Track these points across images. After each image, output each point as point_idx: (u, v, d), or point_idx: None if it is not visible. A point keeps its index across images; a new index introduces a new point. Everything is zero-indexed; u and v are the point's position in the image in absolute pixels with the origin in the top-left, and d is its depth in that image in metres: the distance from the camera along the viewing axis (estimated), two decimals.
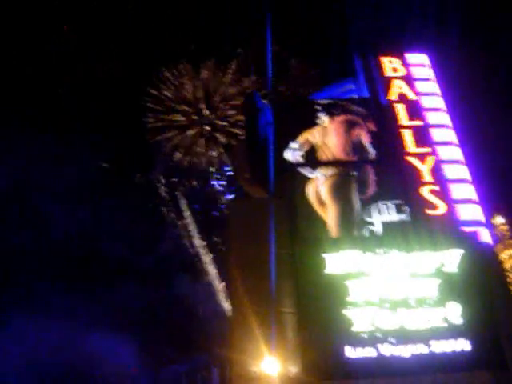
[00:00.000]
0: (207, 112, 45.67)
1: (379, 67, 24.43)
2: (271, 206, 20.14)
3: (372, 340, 17.90)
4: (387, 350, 17.84)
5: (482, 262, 19.44)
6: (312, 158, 21.92)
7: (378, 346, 17.88)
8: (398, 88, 23.75)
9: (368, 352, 17.77)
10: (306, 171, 21.60)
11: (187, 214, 48.04)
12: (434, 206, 20.60)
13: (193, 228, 47.80)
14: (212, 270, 46.95)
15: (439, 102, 23.50)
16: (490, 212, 23.66)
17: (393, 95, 23.59)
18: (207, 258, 47.12)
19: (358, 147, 22.17)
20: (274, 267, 18.98)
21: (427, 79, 24.19)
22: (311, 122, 22.61)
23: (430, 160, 21.65)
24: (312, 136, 22.32)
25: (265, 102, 23.79)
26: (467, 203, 20.84)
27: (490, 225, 21.56)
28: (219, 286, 45.09)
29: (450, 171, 21.49)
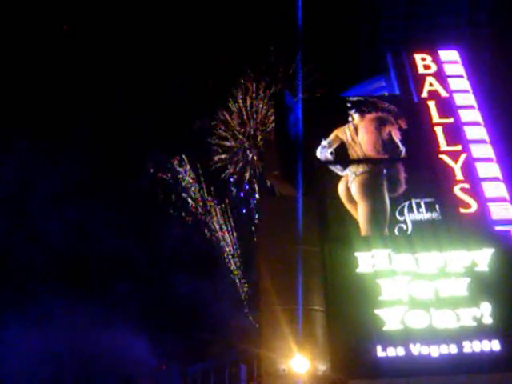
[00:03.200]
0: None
1: (411, 64, 24.25)
2: (299, 204, 20.09)
3: (402, 339, 17.78)
4: (417, 349, 17.70)
5: None
6: (342, 155, 21.84)
7: (408, 345, 17.75)
8: (429, 85, 23.56)
9: (398, 351, 17.65)
10: (336, 169, 21.53)
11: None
12: (465, 205, 20.40)
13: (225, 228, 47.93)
14: (239, 267, 47.09)
15: (471, 100, 23.25)
16: None
17: (425, 92, 23.40)
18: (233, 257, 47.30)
19: (388, 145, 22.03)
20: (302, 265, 18.94)
21: (459, 76, 23.95)
22: (342, 120, 22.54)
23: (462, 158, 21.44)
24: (342, 133, 22.24)
25: (295, 100, 23.76)
26: (499, 202, 20.57)
27: None
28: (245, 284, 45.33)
29: (482, 169, 21.25)
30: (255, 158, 46.18)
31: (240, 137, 46.36)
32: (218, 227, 47.85)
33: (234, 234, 47.09)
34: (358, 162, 21.60)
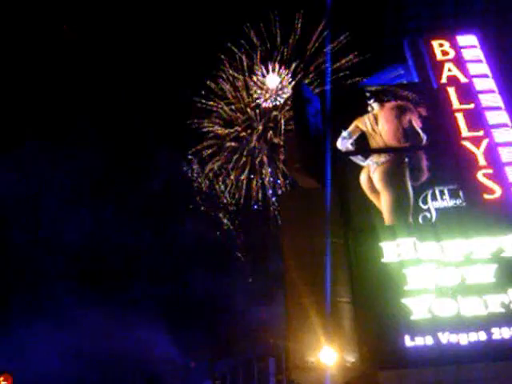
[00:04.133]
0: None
1: (429, 51, 24.03)
2: (326, 195, 20.05)
3: (430, 328, 17.71)
4: (445, 337, 17.62)
5: None
6: (363, 145, 21.76)
7: (436, 334, 17.67)
8: (448, 71, 23.35)
9: (426, 340, 17.59)
10: (357, 159, 21.45)
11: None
12: (490, 190, 20.24)
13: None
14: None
15: (491, 84, 23.01)
16: None
17: (444, 78, 23.20)
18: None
19: (409, 133, 21.90)
20: (329, 256, 18.92)
21: (478, 61, 23.72)
22: (362, 110, 22.45)
23: (485, 143, 21.26)
24: (362, 123, 22.15)
25: (314, 92, 23.74)
26: None
27: None
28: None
29: (505, 154, 21.04)
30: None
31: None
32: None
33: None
34: (379, 151, 21.51)
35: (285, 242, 20.58)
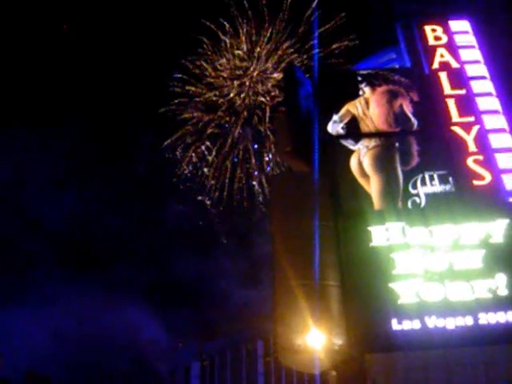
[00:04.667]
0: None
1: (421, 35, 24.01)
2: (315, 179, 20.04)
3: (417, 312, 17.79)
4: (433, 322, 17.71)
5: None
6: (354, 129, 21.73)
7: (424, 318, 17.76)
8: (440, 56, 23.34)
9: (414, 324, 17.68)
10: (348, 143, 21.44)
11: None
12: (479, 176, 20.30)
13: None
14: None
15: (483, 70, 23.03)
16: None
17: (436, 64, 23.19)
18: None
19: (400, 117, 21.89)
20: (318, 240, 18.93)
21: (470, 46, 23.70)
22: (353, 94, 22.40)
23: (475, 129, 21.28)
24: (353, 107, 22.11)
25: (305, 74, 23.61)
26: None
27: None
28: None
29: (495, 140, 21.07)
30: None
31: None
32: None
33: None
34: (370, 135, 21.50)
35: (273, 225, 20.57)
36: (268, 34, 45.08)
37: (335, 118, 21.83)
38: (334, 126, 21.80)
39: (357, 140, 21.43)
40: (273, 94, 44.97)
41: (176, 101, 45.49)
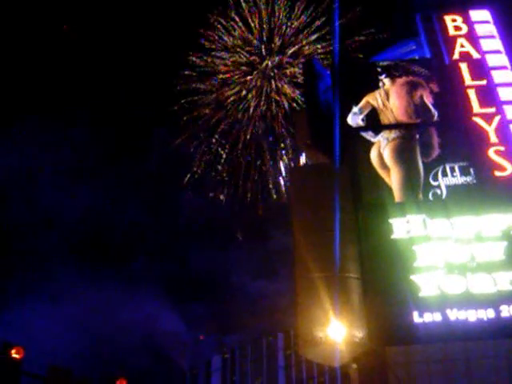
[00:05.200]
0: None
1: (442, 26, 23.81)
2: (336, 171, 20.00)
3: (439, 305, 17.69)
4: (454, 314, 17.60)
5: None
6: (374, 121, 21.62)
7: (445, 310, 17.67)
8: (461, 46, 23.13)
9: (435, 317, 17.58)
10: (368, 135, 21.33)
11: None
12: (500, 168, 20.12)
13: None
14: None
15: (504, 60, 22.78)
16: None
17: (456, 54, 22.99)
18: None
19: (420, 109, 21.74)
20: (339, 232, 18.91)
21: (491, 36, 23.47)
22: (373, 85, 22.27)
23: (496, 120, 21.08)
24: (373, 99, 21.98)
25: (325, 67, 23.56)
26: None
27: None
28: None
29: None
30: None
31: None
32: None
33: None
34: (390, 127, 21.38)
35: (294, 218, 20.57)
36: (285, 27, 45.02)
37: (355, 109, 21.73)
38: (354, 118, 21.71)
39: (377, 132, 21.32)
40: (288, 90, 44.83)
41: (184, 100, 45.57)
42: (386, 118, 21.62)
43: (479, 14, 24.13)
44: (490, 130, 20.88)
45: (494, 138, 20.72)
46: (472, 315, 17.60)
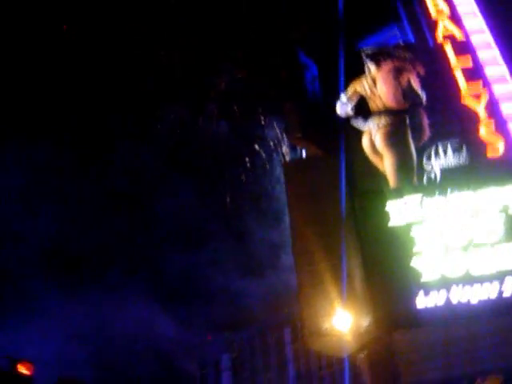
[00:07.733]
0: None
1: (423, 9, 23.81)
2: (342, 162, 20.08)
3: (441, 287, 17.73)
4: (456, 297, 17.64)
5: None
6: (363, 109, 21.60)
7: (447, 292, 17.70)
8: (444, 28, 23.14)
9: (437, 301, 17.61)
10: (358, 123, 21.32)
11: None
12: (492, 145, 20.14)
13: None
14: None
15: (487, 38, 22.76)
16: None
17: (440, 37, 22.99)
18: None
19: (408, 93, 21.70)
20: (336, 223, 18.99)
21: (474, 16, 23.45)
22: (359, 73, 22.23)
23: (485, 98, 21.07)
24: (361, 87, 21.93)
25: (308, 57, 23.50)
26: None
27: None
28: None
29: (506, 108, 20.88)
30: None
31: None
32: None
33: None
34: (380, 113, 21.35)
35: (292, 210, 20.67)
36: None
37: (343, 99, 21.71)
38: (343, 107, 21.67)
39: (367, 119, 21.31)
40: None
41: None
42: (374, 105, 21.58)
43: None
44: (480, 108, 20.86)
45: (483, 116, 20.72)
46: (474, 296, 17.62)
